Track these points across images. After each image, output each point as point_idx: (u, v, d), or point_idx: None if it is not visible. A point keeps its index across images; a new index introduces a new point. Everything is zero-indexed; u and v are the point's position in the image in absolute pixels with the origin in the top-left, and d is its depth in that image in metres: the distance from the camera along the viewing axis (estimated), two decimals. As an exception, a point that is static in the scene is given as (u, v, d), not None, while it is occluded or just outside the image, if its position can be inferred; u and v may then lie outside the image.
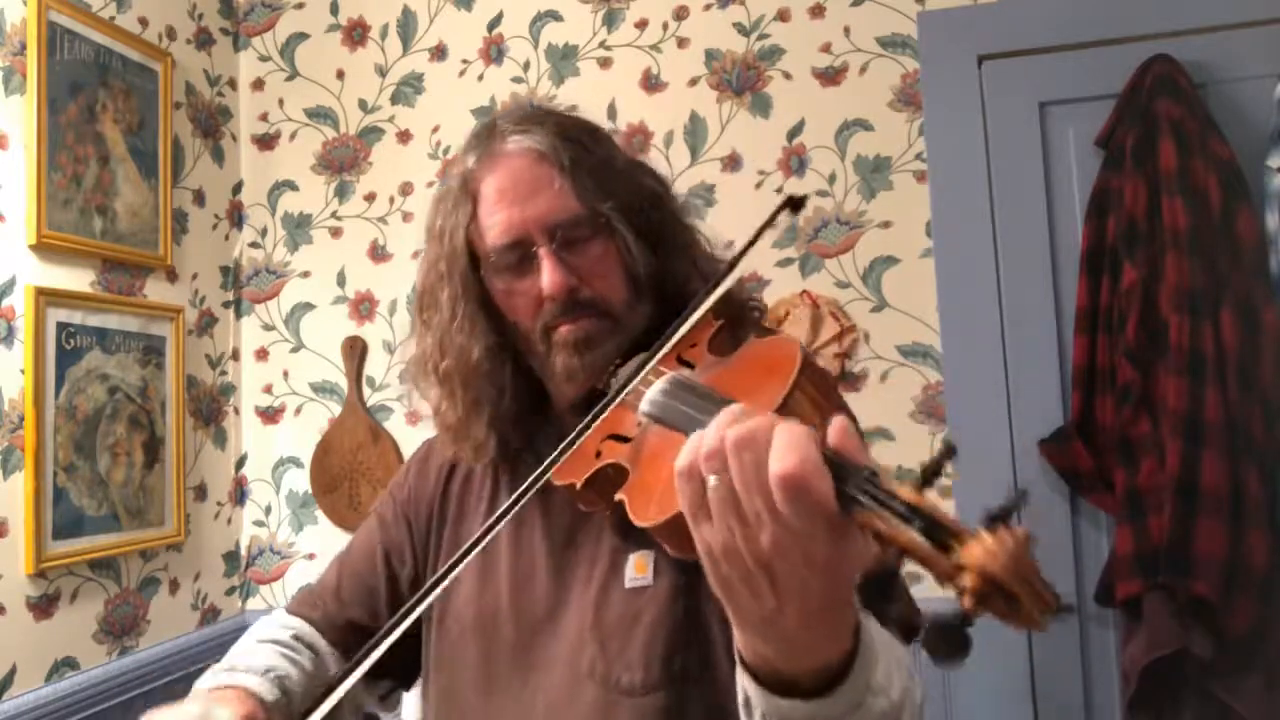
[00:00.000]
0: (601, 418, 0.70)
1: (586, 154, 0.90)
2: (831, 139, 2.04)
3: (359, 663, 0.67)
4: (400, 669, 0.99)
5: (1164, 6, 1.88)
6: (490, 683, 0.89)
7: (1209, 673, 1.60)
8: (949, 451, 0.48)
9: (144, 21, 2.11)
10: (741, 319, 0.93)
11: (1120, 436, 1.73)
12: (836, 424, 0.51)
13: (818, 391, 0.65)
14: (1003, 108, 1.98)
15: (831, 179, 2.04)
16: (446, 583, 0.67)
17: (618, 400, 0.71)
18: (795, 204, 0.73)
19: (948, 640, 0.43)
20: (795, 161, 2.06)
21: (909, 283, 1.98)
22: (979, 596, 0.43)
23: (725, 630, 0.73)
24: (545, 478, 0.69)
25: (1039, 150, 1.95)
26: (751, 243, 0.73)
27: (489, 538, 0.67)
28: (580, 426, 0.70)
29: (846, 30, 2.05)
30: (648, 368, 0.73)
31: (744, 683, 0.60)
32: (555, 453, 0.69)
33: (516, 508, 0.67)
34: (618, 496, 0.74)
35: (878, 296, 2.00)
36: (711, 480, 0.52)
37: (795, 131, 2.06)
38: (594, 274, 0.88)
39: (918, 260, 1.98)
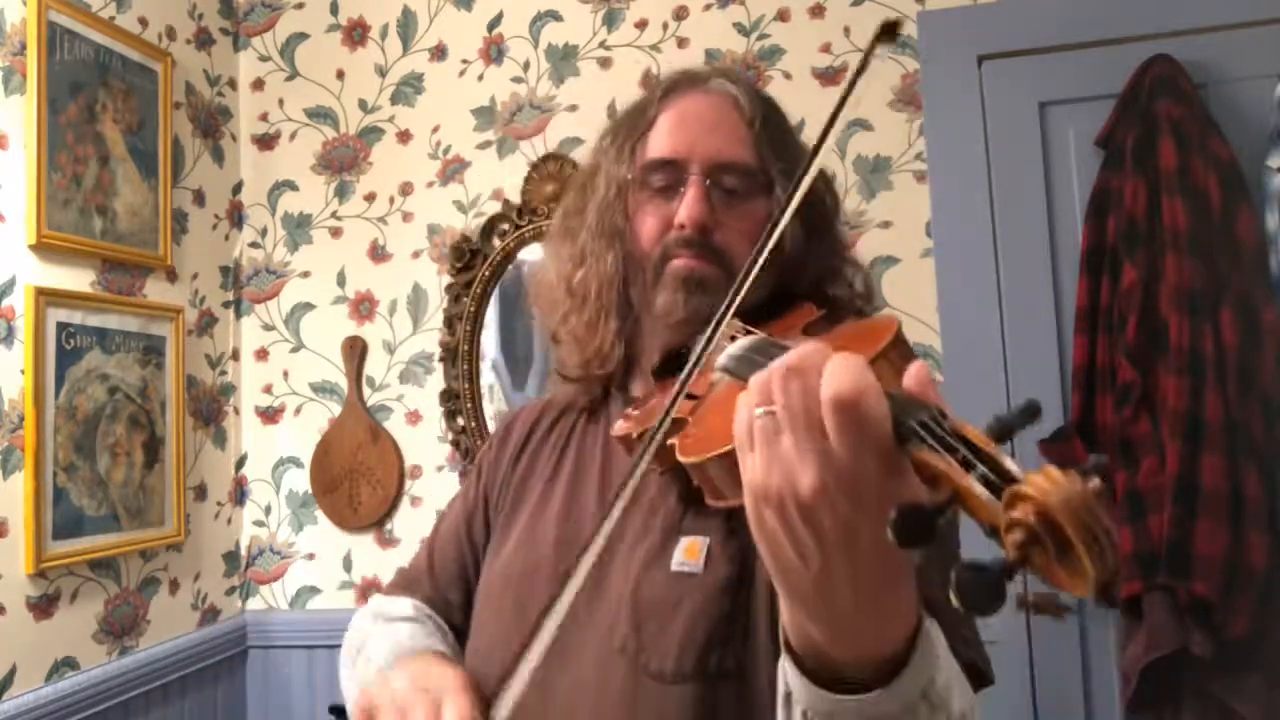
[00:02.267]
0: (696, 371, 0.67)
1: (776, 122, 0.90)
2: (831, 139, 2.04)
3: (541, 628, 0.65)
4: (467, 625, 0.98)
5: (1164, 6, 1.89)
6: (519, 638, 0.87)
7: (1209, 673, 1.60)
8: (1032, 413, 0.43)
9: (144, 21, 2.11)
10: (844, 314, 0.89)
11: (1120, 436, 1.73)
12: (915, 368, 0.47)
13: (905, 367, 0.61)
14: (1003, 108, 1.98)
15: (831, 179, 2.03)
16: (585, 569, 0.64)
17: (710, 348, 0.68)
18: (889, 29, 0.62)
19: (981, 583, 0.37)
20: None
21: (909, 283, 1.98)
22: (1030, 535, 0.37)
23: (773, 634, 0.70)
24: (644, 461, 0.65)
25: (1039, 150, 1.95)
26: (850, 87, 0.66)
27: (616, 512, 0.63)
28: (684, 375, 0.66)
29: (846, 30, 2.05)
30: (728, 311, 0.68)
31: (787, 672, 0.56)
32: (664, 415, 0.66)
33: (629, 488, 0.63)
34: (670, 441, 0.71)
35: (878, 296, 2.00)
36: (758, 412, 0.48)
37: (795, 131, 2.05)
38: (735, 227, 0.85)
39: (918, 260, 1.98)
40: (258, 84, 2.43)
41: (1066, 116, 1.95)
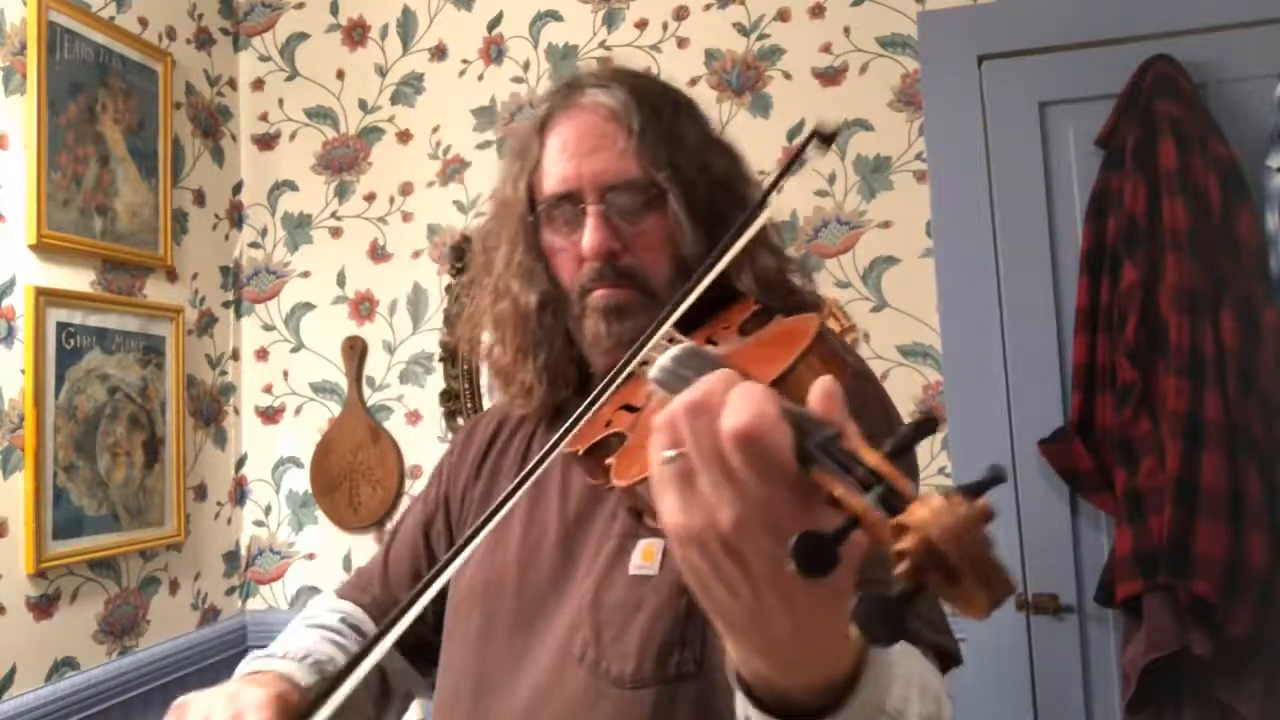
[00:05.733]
0: (612, 388, 0.68)
1: (658, 121, 0.87)
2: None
3: (381, 635, 0.65)
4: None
5: (1164, 6, 1.88)
6: (485, 652, 0.88)
7: (1209, 673, 1.60)
8: (928, 425, 0.43)
9: (144, 21, 2.11)
10: (785, 309, 0.86)
11: (1120, 436, 1.73)
12: (820, 384, 0.47)
13: (826, 369, 0.59)
14: (1003, 108, 1.98)
15: (831, 179, 2.04)
16: (465, 554, 0.65)
17: (628, 369, 0.69)
18: (825, 138, 0.65)
19: (879, 613, 0.37)
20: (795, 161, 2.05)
21: (909, 283, 1.98)
22: (916, 565, 0.37)
23: None
24: (557, 451, 0.67)
25: (1039, 150, 1.95)
26: (779, 179, 0.68)
27: (506, 508, 0.65)
28: (592, 396, 0.68)
29: (846, 30, 2.05)
30: (660, 331, 0.70)
31: (743, 706, 0.55)
32: (566, 424, 0.67)
33: (530, 480, 0.65)
34: (608, 461, 0.71)
35: (878, 296, 2.00)
36: (667, 455, 0.48)
37: (795, 131, 2.06)
38: (639, 245, 0.86)
39: (918, 260, 1.98)
40: (258, 84, 2.43)
41: (1066, 116, 1.95)
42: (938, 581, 0.37)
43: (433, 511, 1.04)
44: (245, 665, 0.91)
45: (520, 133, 0.95)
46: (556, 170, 0.88)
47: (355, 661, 0.65)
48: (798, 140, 0.65)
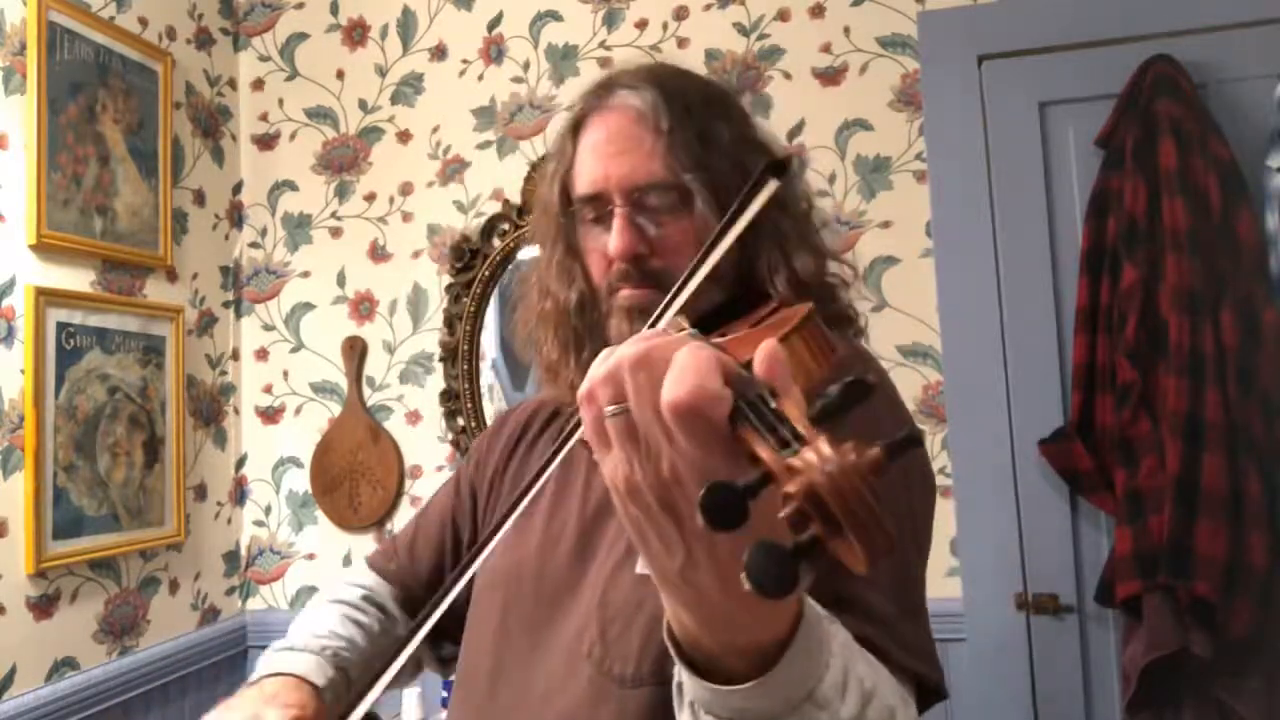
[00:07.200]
0: None
1: (689, 121, 0.86)
2: (831, 139, 2.04)
3: (413, 632, 0.68)
4: (460, 631, 0.99)
5: (1164, 6, 1.89)
6: (504, 641, 0.89)
7: (1209, 673, 1.60)
8: (858, 387, 0.42)
9: (144, 21, 2.11)
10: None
11: (1120, 436, 1.73)
12: (763, 347, 0.47)
13: (809, 352, 0.59)
14: (1003, 108, 1.98)
15: (831, 179, 2.04)
16: (489, 549, 0.68)
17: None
18: (776, 168, 0.64)
19: (769, 562, 0.36)
20: (796, 162, 2.05)
21: (909, 283, 1.98)
22: (799, 510, 0.37)
23: None
24: (571, 443, 0.67)
25: (1039, 150, 1.95)
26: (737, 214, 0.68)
27: (526, 500, 0.68)
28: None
29: (846, 30, 2.05)
30: (666, 316, 0.71)
31: (677, 667, 0.56)
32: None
33: (547, 472, 0.67)
34: None
35: (878, 296, 2.00)
36: (609, 408, 0.49)
37: (795, 131, 2.06)
38: (666, 247, 0.85)
39: (918, 260, 1.98)
40: (258, 84, 2.43)
41: (1066, 116, 1.95)
42: (822, 530, 0.37)
43: (461, 495, 1.07)
44: (266, 659, 0.95)
45: (557, 133, 0.96)
46: (586, 172, 0.88)
47: (376, 676, 0.68)
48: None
